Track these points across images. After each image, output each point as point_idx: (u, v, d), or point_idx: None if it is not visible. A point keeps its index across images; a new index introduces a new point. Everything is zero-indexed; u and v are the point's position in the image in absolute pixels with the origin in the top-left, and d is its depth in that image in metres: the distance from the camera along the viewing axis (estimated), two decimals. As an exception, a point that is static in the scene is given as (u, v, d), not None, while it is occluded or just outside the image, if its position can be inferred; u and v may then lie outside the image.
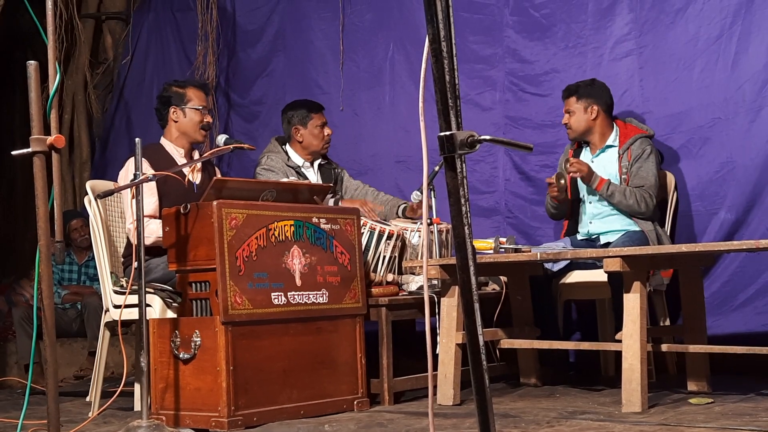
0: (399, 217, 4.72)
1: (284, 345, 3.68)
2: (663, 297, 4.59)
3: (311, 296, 3.77)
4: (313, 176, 4.81)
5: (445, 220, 4.33)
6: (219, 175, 4.37)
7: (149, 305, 3.85)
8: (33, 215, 2.55)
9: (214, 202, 3.51)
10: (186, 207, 3.59)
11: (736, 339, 4.29)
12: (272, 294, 3.63)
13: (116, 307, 4.07)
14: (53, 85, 2.54)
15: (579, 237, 4.67)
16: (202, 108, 4.35)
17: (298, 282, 3.73)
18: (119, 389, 3.48)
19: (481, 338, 1.69)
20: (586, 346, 4.26)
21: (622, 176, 4.49)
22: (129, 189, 3.51)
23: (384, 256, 4.21)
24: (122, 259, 4.33)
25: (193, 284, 3.64)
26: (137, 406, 3.98)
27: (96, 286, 5.98)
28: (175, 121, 4.35)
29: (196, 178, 4.32)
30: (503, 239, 4.32)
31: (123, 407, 4.12)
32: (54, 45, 2.60)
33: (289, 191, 3.91)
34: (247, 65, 6.40)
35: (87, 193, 4.34)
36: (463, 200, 1.67)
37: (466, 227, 1.68)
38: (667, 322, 4.58)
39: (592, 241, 4.61)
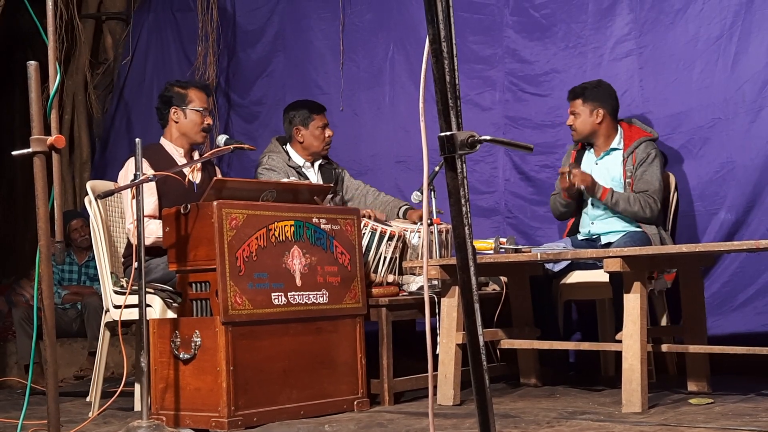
0: (399, 218, 4.72)
1: (284, 345, 3.68)
2: (663, 297, 4.59)
3: (311, 296, 3.77)
4: (314, 176, 4.81)
5: (445, 221, 4.33)
6: (219, 176, 4.37)
7: (149, 305, 3.85)
8: (33, 215, 2.55)
9: (215, 203, 3.51)
10: (186, 207, 3.59)
11: (736, 339, 4.29)
12: (272, 294, 3.63)
13: (116, 307, 4.07)
14: (53, 86, 2.54)
15: (579, 237, 4.67)
16: (203, 110, 4.35)
17: (299, 282, 3.73)
18: (119, 389, 3.48)
19: (481, 338, 1.69)
20: (586, 346, 4.26)
21: (626, 180, 4.48)
22: (129, 189, 3.52)
23: (385, 257, 4.21)
24: (122, 260, 4.33)
25: (193, 284, 3.64)
26: (137, 407, 3.98)
27: (96, 286, 5.98)
28: (176, 122, 4.35)
29: (197, 178, 4.32)
30: (503, 239, 4.32)
31: (123, 407, 4.12)
32: (54, 45, 2.60)
33: (290, 191, 3.91)
34: (247, 65, 6.40)
35: (87, 194, 4.34)
36: (463, 200, 1.67)
37: (466, 227, 1.68)
38: (667, 322, 4.58)
39: (592, 242, 4.61)
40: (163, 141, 4.38)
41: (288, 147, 4.85)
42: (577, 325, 5.17)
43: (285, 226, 3.72)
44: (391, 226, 4.32)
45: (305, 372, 3.74)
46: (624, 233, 4.46)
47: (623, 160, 4.51)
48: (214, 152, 3.82)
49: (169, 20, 6.83)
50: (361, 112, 5.87)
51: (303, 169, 4.78)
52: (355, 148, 5.75)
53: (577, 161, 4.66)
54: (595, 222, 4.61)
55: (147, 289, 3.48)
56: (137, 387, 3.97)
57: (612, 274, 3.93)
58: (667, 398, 3.83)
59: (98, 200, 4.23)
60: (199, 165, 4.31)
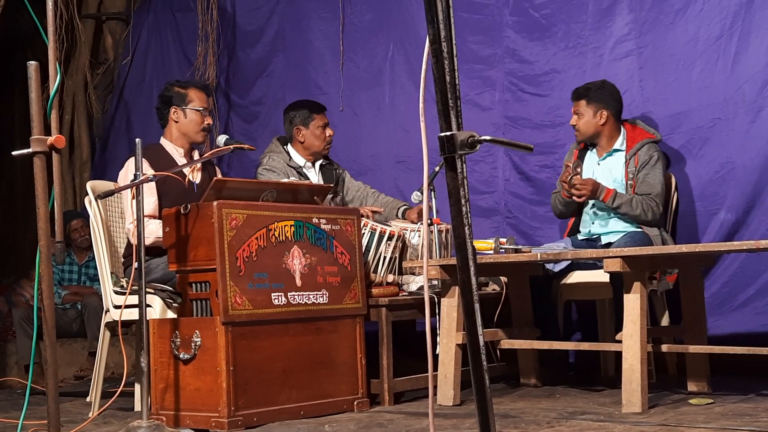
0: (399, 218, 4.72)
1: (284, 345, 3.68)
2: (663, 297, 4.59)
3: (311, 296, 3.77)
4: (315, 177, 4.81)
5: (445, 221, 4.33)
6: (219, 176, 4.37)
7: (149, 305, 3.85)
8: (33, 215, 2.55)
9: (215, 203, 3.51)
10: (186, 207, 3.59)
11: (736, 339, 4.29)
12: (272, 294, 3.63)
13: (116, 307, 4.07)
14: (54, 86, 2.54)
15: (580, 237, 4.67)
16: (203, 109, 4.35)
17: (299, 282, 3.73)
18: (119, 389, 3.48)
19: (481, 338, 1.69)
20: (586, 346, 4.26)
21: (628, 182, 4.48)
22: (129, 189, 3.52)
23: (384, 257, 4.21)
24: (122, 260, 4.33)
25: (194, 284, 3.64)
26: (137, 407, 3.98)
27: (96, 286, 5.98)
28: (176, 121, 4.35)
29: (197, 178, 4.32)
30: (503, 240, 4.32)
31: (123, 407, 4.12)
32: (54, 45, 2.60)
33: (289, 191, 3.91)
34: (247, 66, 6.41)
35: (87, 194, 4.34)
36: (463, 200, 1.67)
37: (466, 227, 1.68)
38: (667, 322, 4.58)
39: (592, 242, 4.61)
40: (163, 141, 4.38)
41: (289, 147, 4.85)
42: (577, 325, 5.17)
43: (285, 226, 3.72)
44: (390, 226, 4.32)
45: (305, 372, 3.74)
46: (624, 233, 4.46)
47: (626, 161, 4.51)
48: (214, 152, 3.82)
49: (169, 20, 6.83)
50: (361, 112, 5.87)
51: (304, 170, 4.78)
52: (354, 148, 5.75)
53: (580, 160, 4.65)
54: (596, 222, 4.61)
55: (147, 289, 3.48)
56: (137, 387, 3.97)
57: (612, 275, 3.93)
58: (667, 398, 3.83)
59: (98, 200, 4.23)
60: (199, 165, 4.31)
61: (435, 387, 4.00)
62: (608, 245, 4.48)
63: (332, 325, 3.86)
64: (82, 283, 6.36)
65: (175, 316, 3.89)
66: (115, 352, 5.43)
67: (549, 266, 4.46)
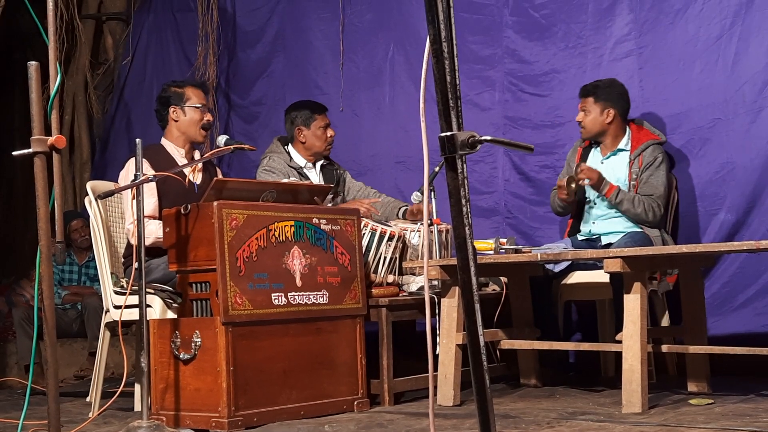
0: (399, 218, 4.72)
1: (284, 345, 3.68)
2: (663, 298, 4.59)
3: (311, 297, 3.77)
4: (315, 177, 4.81)
5: (445, 221, 4.33)
6: (220, 176, 4.38)
7: (149, 306, 3.85)
8: (33, 215, 2.55)
9: (215, 203, 3.51)
10: (186, 207, 3.60)
11: (736, 340, 4.29)
12: (272, 294, 3.63)
13: (116, 307, 4.07)
14: (54, 86, 2.54)
15: (580, 237, 4.67)
16: (201, 106, 4.36)
17: (299, 282, 3.73)
18: (119, 390, 3.48)
19: (481, 339, 1.69)
20: (586, 346, 4.26)
21: (632, 182, 4.47)
22: (129, 189, 3.52)
23: (385, 258, 4.21)
24: (123, 260, 4.33)
25: (194, 285, 3.64)
26: (137, 407, 3.98)
27: (96, 286, 5.98)
28: (176, 121, 4.35)
29: (197, 178, 4.32)
30: (503, 240, 4.32)
31: (123, 408, 4.12)
32: (55, 45, 2.60)
33: (290, 192, 3.91)
34: (247, 66, 6.41)
35: (87, 194, 4.34)
36: (463, 201, 1.67)
37: (466, 228, 1.68)
38: (667, 323, 4.58)
39: (593, 242, 4.61)
40: (164, 141, 4.39)
41: (290, 147, 4.85)
42: (577, 326, 5.17)
43: (285, 226, 3.72)
44: (391, 226, 4.32)
45: (305, 372, 3.74)
46: (625, 234, 4.46)
47: (630, 161, 4.51)
48: (215, 152, 3.82)
49: (170, 21, 6.83)
50: (361, 112, 5.87)
51: (304, 170, 4.78)
52: (354, 148, 5.75)
53: (583, 158, 4.65)
54: (596, 222, 4.61)
55: (147, 290, 3.48)
56: (137, 387, 3.97)
57: (612, 275, 3.93)
58: (667, 399, 3.83)
59: (98, 201, 4.23)
60: (200, 165, 4.32)
61: (435, 387, 4.00)
62: (608, 246, 4.48)
63: (332, 325, 3.86)
64: (82, 284, 6.36)
65: (175, 316, 3.89)
66: (115, 353, 5.43)
67: (549, 266, 4.46)
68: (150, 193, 4.11)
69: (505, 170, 5.28)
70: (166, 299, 4.00)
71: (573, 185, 4.46)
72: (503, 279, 4.41)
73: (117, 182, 4.32)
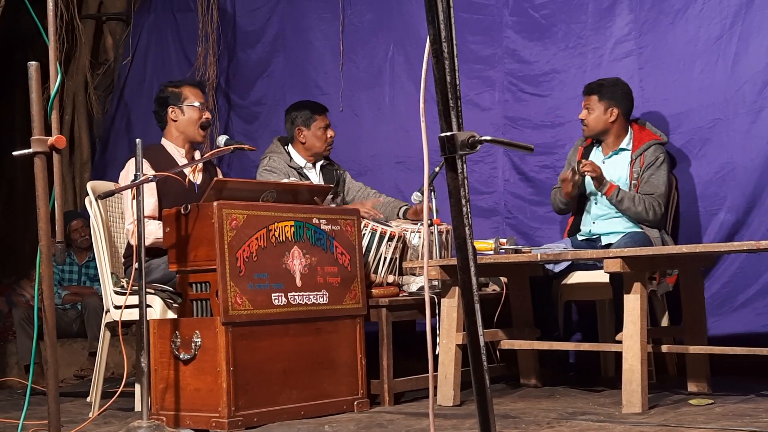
0: (399, 218, 4.72)
1: (284, 345, 3.68)
2: (663, 298, 4.59)
3: (311, 297, 3.77)
4: (315, 177, 4.81)
5: (445, 221, 4.33)
6: (220, 176, 4.38)
7: (150, 306, 3.85)
8: (33, 216, 2.55)
9: (215, 203, 3.51)
10: (186, 207, 3.60)
11: (736, 340, 4.29)
12: (272, 294, 3.63)
13: (117, 307, 4.07)
14: (54, 86, 2.54)
15: (580, 237, 4.67)
16: (199, 105, 4.36)
17: (299, 283, 3.73)
18: (119, 390, 3.48)
19: (481, 339, 1.69)
20: (586, 347, 4.26)
21: (633, 181, 4.47)
22: (129, 189, 3.52)
23: (385, 258, 4.21)
24: (123, 260, 4.33)
25: (194, 285, 3.64)
26: (137, 407, 3.98)
27: (96, 286, 5.98)
28: (174, 121, 4.35)
29: (197, 178, 4.32)
30: (503, 240, 4.32)
31: (123, 408, 4.12)
32: (55, 45, 2.61)
33: (290, 192, 3.91)
34: (247, 66, 6.41)
35: (87, 194, 4.34)
36: (464, 201, 1.67)
37: (467, 228, 1.68)
38: (667, 323, 4.58)
39: (593, 242, 4.61)
40: (164, 142, 4.39)
41: (290, 147, 4.85)
42: (577, 326, 5.17)
43: (285, 226, 3.72)
44: (391, 226, 4.32)
45: (305, 372, 3.74)
46: (625, 234, 4.46)
47: (631, 161, 4.51)
48: (215, 152, 3.83)
49: (170, 21, 6.83)
50: (361, 112, 5.87)
51: (304, 170, 4.78)
52: (354, 148, 5.75)
53: (584, 157, 4.65)
54: (596, 221, 4.61)
55: (147, 290, 3.48)
56: (137, 387, 3.97)
57: (612, 275, 3.93)
58: (667, 399, 3.83)
59: (99, 201, 4.23)
60: (200, 166, 4.32)
61: (435, 387, 4.00)
62: (608, 246, 4.47)
63: (332, 325, 3.86)
64: (82, 284, 6.36)
65: (175, 316, 3.90)
66: (115, 353, 5.43)
67: (549, 267, 4.46)
68: (150, 193, 4.11)
69: (505, 170, 5.28)
70: (166, 299, 4.00)
71: (577, 177, 4.45)
72: (503, 279, 4.41)
73: (117, 182, 4.32)
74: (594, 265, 4.35)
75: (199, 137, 4.38)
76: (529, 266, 4.35)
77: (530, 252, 4.15)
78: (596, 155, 4.66)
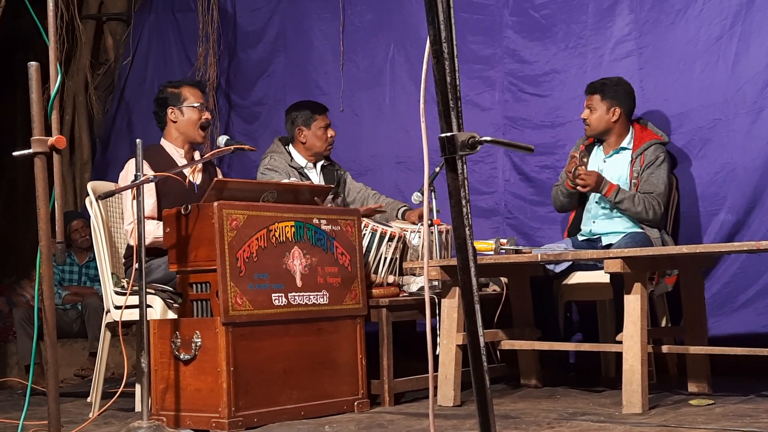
0: (399, 219, 4.72)
1: (285, 346, 3.68)
2: (664, 298, 4.59)
3: (312, 297, 3.77)
4: (316, 177, 4.81)
5: (445, 221, 4.33)
6: (220, 176, 4.38)
7: (150, 306, 3.85)
8: (34, 216, 2.55)
9: (215, 203, 3.51)
10: (187, 208, 3.60)
11: (737, 340, 4.29)
12: (273, 295, 3.63)
13: (117, 307, 4.07)
14: (54, 86, 2.54)
15: (580, 237, 4.67)
16: (199, 105, 4.36)
17: (299, 283, 3.73)
18: (120, 390, 3.49)
19: (481, 339, 1.69)
20: (586, 347, 4.26)
21: (633, 180, 4.47)
22: (129, 190, 3.52)
23: (385, 258, 4.21)
24: (123, 260, 4.33)
25: (194, 285, 3.64)
26: (138, 407, 3.98)
27: (96, 286, 5.99)
28: (174, 121, 4.35)
29: (197, 178, 4.32)
30: (504, 240, 4.32)
31: (123, 408, 4.12)
32: (55, 46, 2.60)
33: (290, 192, 3.91)
34: (248, 66, 6.41)
35: (88, 194, 4.34)
36: (464, 201, 1.67)
37: (467, 228, 1.68)
38: (667, 323, 4.58)
39: (593, 242, 4.61)
40: (163, 142, 4.39)
41: (290, 147, 4.85)
42: (577, 326, 5.17)
43: (285, 226, 3.72)
44: (391, 227, 4.32)
45: (306, 373, 3.74)
46: (625, 234, 4.46)
47: (631, 160, 4.51)
48: (215, 153, 3.83)
49: (170, 21, 6.83)
50: (361, 112, 5.87)
51: (305, 170, 4.78)
52: (355, 148, 5.75)
53: (586, 152, 4.64)
54: (596, 221, 4.61)
55: (147, 290, 3.49)
56: (138, 387, 3.97)
57: (612, 275, 3.93)
58: (667, 399, 3.83)
59: (99, 201, 4.23)
60: (200, 166, 4.32)
61: (435, 388, 4.00)
62: (609, 246, 4.47)
63: (333, 325, 3.86)
64: (82, 284, 6.36)
65: (175, 316, 3.90)
66: (115, 353, 5.42)
67: (549, 267, 4.46)
68: (149, 194, 4.11)
69: (505, 170, 5.28)
70: (166, 299, 4.00)
71: (585, 159, 4.42)
72: (503, 279, 4.41)
73: (117, 183, 4.32)
74: (594, 265, 4.35)
75: (198, 138, 4.38)
76: (530, 266, 4.34)
77: (531, 252, 4.15)
78: (597, 154, 4.66)
